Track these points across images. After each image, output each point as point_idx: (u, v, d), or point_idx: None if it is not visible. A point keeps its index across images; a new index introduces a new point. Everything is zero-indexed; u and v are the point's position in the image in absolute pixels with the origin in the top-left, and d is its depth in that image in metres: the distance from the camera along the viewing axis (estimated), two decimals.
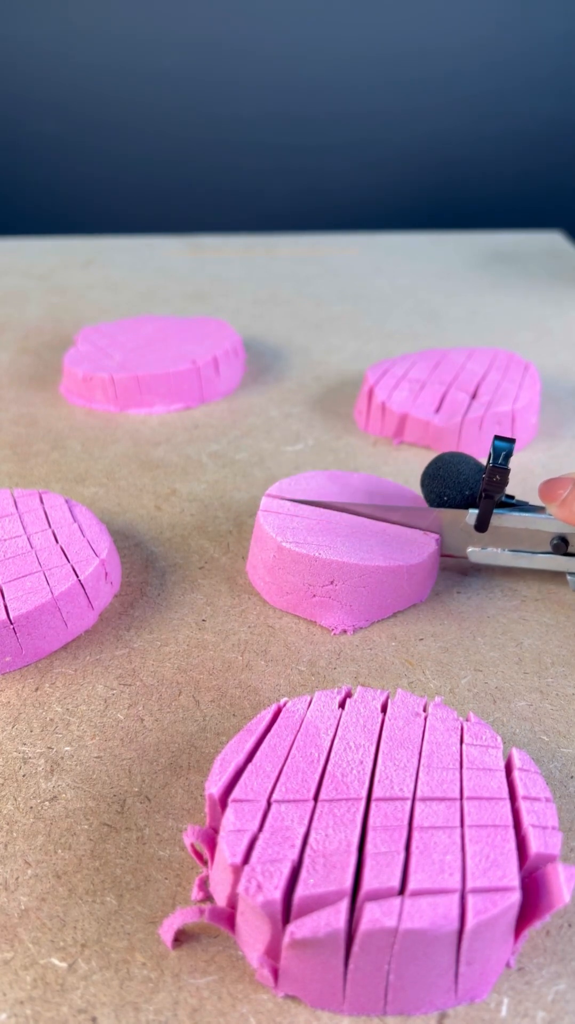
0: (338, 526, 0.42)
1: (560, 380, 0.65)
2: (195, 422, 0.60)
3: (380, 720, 0.31)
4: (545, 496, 0.40)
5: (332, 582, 0.40)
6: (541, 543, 0.42)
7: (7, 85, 1.13)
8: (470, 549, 0.43)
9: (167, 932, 0.27)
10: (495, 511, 0.42)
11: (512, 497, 0.42)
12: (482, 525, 0.42)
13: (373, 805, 0.27)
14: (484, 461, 0.48)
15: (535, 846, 0.26)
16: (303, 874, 0.25)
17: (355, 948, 0.24)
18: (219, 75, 1.13)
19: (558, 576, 0.44)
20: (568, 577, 0.42)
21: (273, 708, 0.31)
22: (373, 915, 0.24)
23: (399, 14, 1.08)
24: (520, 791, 0.28)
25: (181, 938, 0.27)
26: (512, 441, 0.40)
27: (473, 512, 0.42)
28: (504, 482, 0.40)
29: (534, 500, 0.48)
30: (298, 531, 0.41)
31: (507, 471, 0.40)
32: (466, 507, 0.43)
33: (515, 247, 0.99)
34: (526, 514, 0.42)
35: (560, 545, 0.42)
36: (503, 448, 0.40)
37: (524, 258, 0.95)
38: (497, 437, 0.40)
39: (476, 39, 1.10)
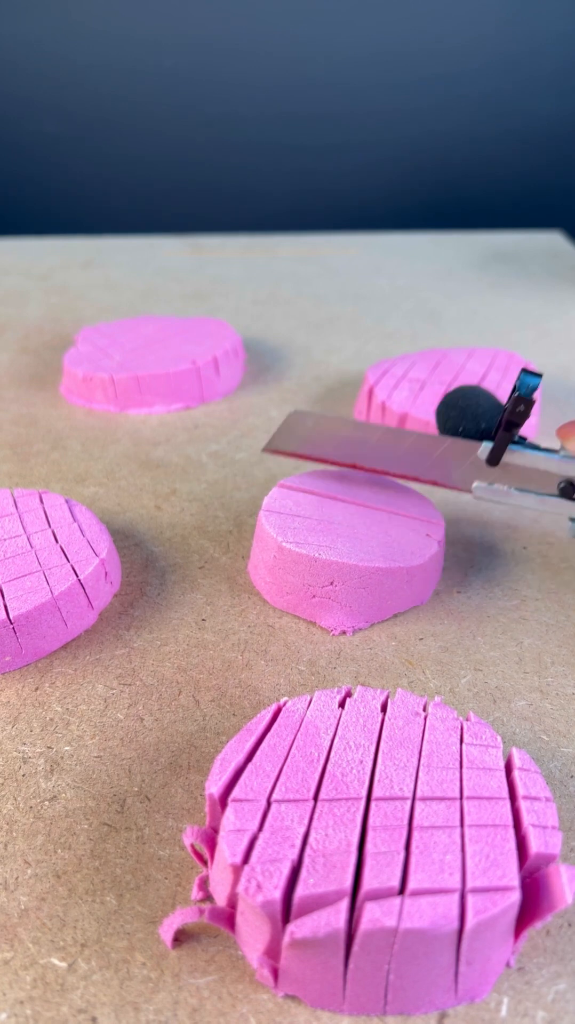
0: (340, 527, 0.42)
1: (560, 380, 0.65)
2: (195, 422, 0.60)
3: (380, 720, 0.31)
4: (564, 433, 0.40)
5: (332, 583, 0.40)
6: (548, 485, 0.42)
7: (7, 85, 1.13)
8: (476, 484, 0.43)
9: (167, 932, 0.27)
10: (508, 447, 0.41)
11: (524, 438, 0.42)
12: (495, 458, 0.41)
13: (373, 805, 0.27)
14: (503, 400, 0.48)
15: (535, 846, 0.26)
16: (303, 874, 0.25)
17: (355, 948, 0.24)
18: (219, 75, 1.13)
19: (558, 575, 0.44)
20: (569, 523, 0.42)
21: (273, 708, 0.31)
22: (373, 915, 0.24)
23: (399, 14, 1.08)
24: (520, 791, 0.28)
25: (181, 938, 0.27)
26: (539, 376, 0.40)
27: (487, 445, 0.42)
28: (527, 413, 0.40)
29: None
30: (299, 531, 0.41)
31: (532, 402, 0.40)
32: (480, 440, 0.43)
33: (515, 247, 0.99)
34: (538, 453, 0.41)
35: (567, 489, 0.41)
36: (530, 382, 0.40)
37: (524, 258, 0.95)
38: (524, 370, 0.40)
39: (476, 39, 1.10)
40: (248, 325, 0.77)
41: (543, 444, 0.43)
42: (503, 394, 0.56)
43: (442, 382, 0.58)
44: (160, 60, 1.12)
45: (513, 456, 0.42)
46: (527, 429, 0.56)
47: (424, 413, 0.55)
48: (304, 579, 0.40)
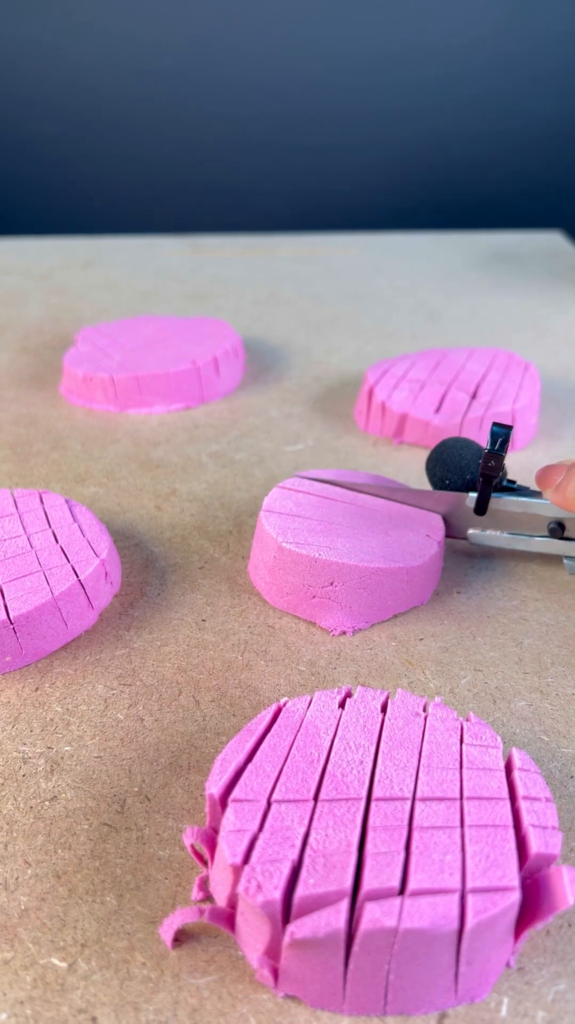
0: (340, 527, 0.42)
1: (560, 380, 0.65)
2: (195, 422, 0.60)
3: (380, 720, 0.31)
4: (541, 482, 0.41)
5: (332, 583, 0.40)
6: (539, 527, 0.43)
7: (7, 85, 1.13)
8: (471, 531, 0.45)
9: (167, 932, 0.27)
10: (494, 495, 0.43)
11: (514, 482, 0.44)
12: (481, 508, 0.43)
13: (373, 805, 0.27)
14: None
15: (535, 846, 0.26)
16: (303, 874, 0.25)
17: (355, 948, 0.24)
18: (219, 75, 1.13)
19: (558, 575, 0.44)
20: (565, 561, 0.43)
21: (273, 708, 0.31)
22: (373, 915, 0.24)
23: (399, 14, 1.08)
24: (520, 791, 0.28)
25: (181, 938, 0.27)
26: (509, 428, 0.41)
27: (473, 495, 0.43)
28: (499, 467, 0.41)
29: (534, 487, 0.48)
30: (299, 532, 0.41)
31: (502, 456, 0.41)
32: (467, 490, 0.44)
33: (515, 247, 0.99)
34: (524, 498, 0.43)
35: (557, 529, 0.43)
36: (499, 434, 0.41)
37: (524, 258, 0.95)
38: (495, 424, 0.42)
39: (476, 39, 1.10)
40: (248, 325, 0.77)
41: (527, 487, 0.44)
42: (503, 394, 0.56)
43: (442, 382, 0.58)
44: (160, 60, 1.12)
45: (501, 503, 0.43)
46: (526, 431, 0.56)
47: (424, 413, 0.55)
48: (304, 579, 0.40)
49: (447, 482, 0.44)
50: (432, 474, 0.45)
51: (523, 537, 0.44)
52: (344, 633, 0.40)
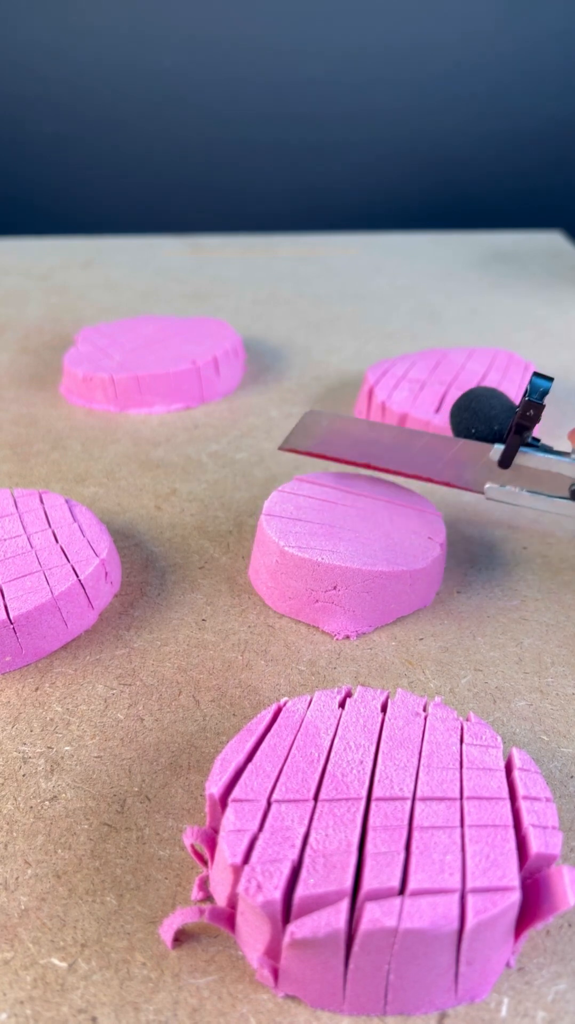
0: (341, 531, 0.42)
1: (560, 380, 0.65)
2: (195, 422, 0.60)
3: (380, 720, 0.31)
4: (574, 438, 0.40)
5: (335, 587, 0.40)
6: (560, 488, 0.42)
7: (7, 85, 1.13)
8: (488, 485, 0.43)
9: (167, 932, 0.27)
10: (520, 449, 0.42)
11: (538, 440, 0.43)
12: (507, 461, 0.42)
13: (373, 805, 0.27)
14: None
15: (535, 846, 0.26)
16: (303, 874, 0.25)
17: (355, 948, 0.24)
18: (219, 75, 1.13)
19: (558, 575, 0.44)
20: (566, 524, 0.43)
21: (273, 708, 0.31)
22: (373, 915, 0.24)
23: (399, 14, 1.08)
24: (520, 791, 0.28)
25: (181, 938, 0.27)
26: (550, 380, 0.40)
27: (498, 447, 0.42)
28: (537, 417, 0.40)
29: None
30: (301, 535, 0.41)
31: (542, 407, 0.40)
32: (493, 442, 0.43)
33: (515, 247, 0.99)
34: (551, 456, 0.42)
35: None
36: (540, 385, 0.40)
37: (524, 258, 0.95)
38: (536, 374, 0.41)
39: (476, 39, 1.10)
40: (248, 325, 0.77)
41: (550, 445, 0.43)
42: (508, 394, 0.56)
43: (442, 382, 0.58)
44: (160, 60, 1.12)
45: (524, 458, 0.42)
46: None
47: (424, 413, 0.55)
48: (307, 583, 0.40)
49: (473, 431, 0.43)
50: (458, 421, 0.44)
51: (543, 497, 0.43)
52: (348, 637, 0.40)
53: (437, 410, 0.56)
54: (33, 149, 1.18)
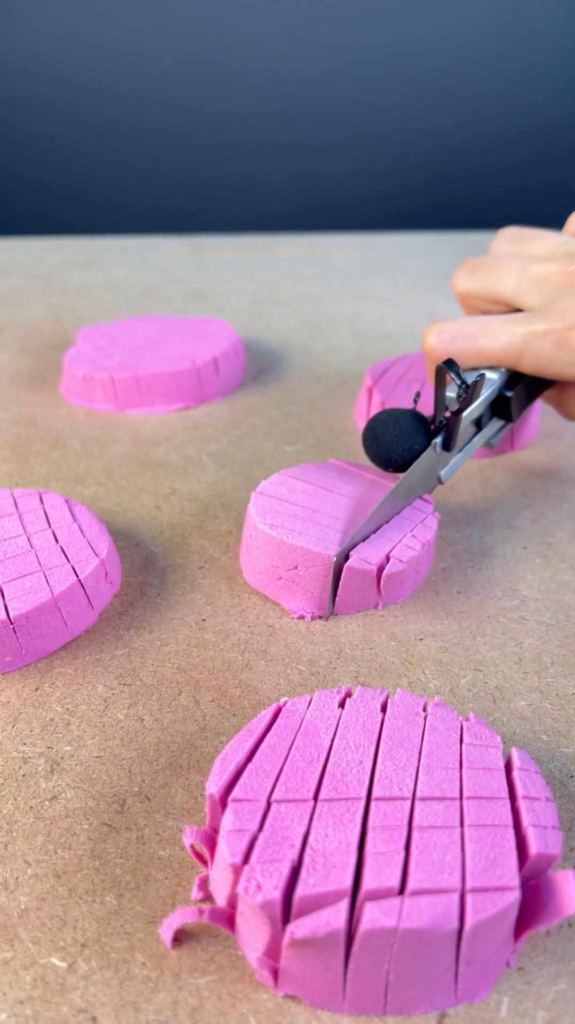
0: (322, 516, 0.42)
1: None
2: (195, 422, 0.60)
3: (380, 720, 0.31)
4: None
5: (296, 567, 0.41)
6: (470, 430, 0.46)
7: (7, 85, 1.13)
8: (441, 472, 0.45)
9: (167, 932, 0.27)
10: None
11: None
12: (450, 443, 0.44)
13: (373, 805, 0.27)
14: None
15: (535, 846, 0.26)
16: (303, 874, 0.25)
17: (355, 948, 0.24)
18: (219, 75, 1.13)
19: (558, 575, 0.44)
20: (490, 440, 0.47)
21: (273, 708, 0.31)
22: (373, 915, 0.24)
23: (399, 15, 1.08)
24: (520, 791, 0.28)
25: (181, 938, 0.27)
26: (451, 361, 0.42)
27: (436, 441, 0.43)
28: (472, 400, 0.43)
29: (533, 493, 0.48)
30: (278, 515, 0.42)
31: (476, 387, 0.42)
32: (416, 456, 0.43)
33: None
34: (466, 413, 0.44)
35: (465, 401, 0.43)
36: (453, 368, 0.41)
37: None
38: (446, 362, 0.42)
39: (476, 39, 1.10)
40: (248, 325, 0.77)
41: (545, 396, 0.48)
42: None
43: None
44: (160, 60, 1.12)
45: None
46: (526, 431, 0.56)
47: (423, 413, 0.55)
48: (272, 560, 0.41)
49: (409, 456, 0.43)
50: (386, 457, 0.43)
51: (472, 441, 0.46)
52: (303, 618, 0.41)
53: None
54: (33, 149, 1.18)
